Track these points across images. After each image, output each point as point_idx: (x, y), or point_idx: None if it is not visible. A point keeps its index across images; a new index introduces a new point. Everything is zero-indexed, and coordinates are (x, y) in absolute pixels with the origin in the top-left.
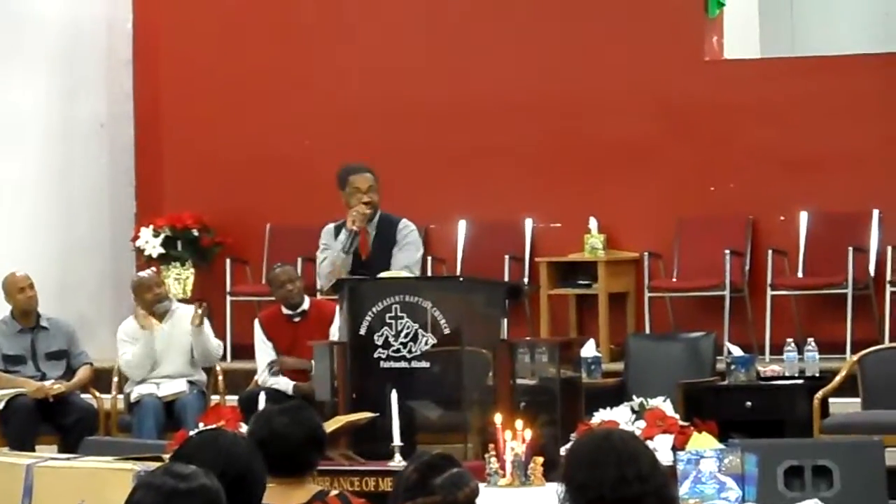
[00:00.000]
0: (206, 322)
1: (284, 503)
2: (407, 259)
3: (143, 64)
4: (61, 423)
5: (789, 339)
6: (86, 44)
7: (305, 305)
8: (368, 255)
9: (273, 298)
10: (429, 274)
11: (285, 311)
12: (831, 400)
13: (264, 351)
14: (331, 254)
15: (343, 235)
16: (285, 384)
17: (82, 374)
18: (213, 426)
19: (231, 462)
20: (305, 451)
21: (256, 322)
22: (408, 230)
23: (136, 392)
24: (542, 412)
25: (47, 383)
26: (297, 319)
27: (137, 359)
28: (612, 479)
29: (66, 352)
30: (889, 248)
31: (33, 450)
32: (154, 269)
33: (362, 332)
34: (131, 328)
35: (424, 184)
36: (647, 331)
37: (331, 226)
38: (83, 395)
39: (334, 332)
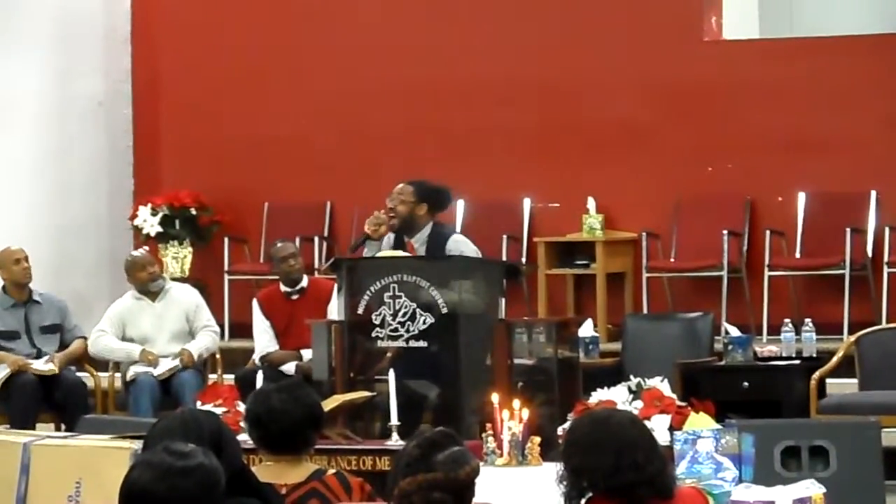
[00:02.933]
0: (196, 344)
1: (282, 481)
2: None
3: (141, 42)
4: (52, 400)
5: (787, 320)
6: (84, 22)
7: (304, 283)
8: None
9: (272, 277)
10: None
11: (284, 288)
12: (828, 380)
13: (262, 329)
14: None
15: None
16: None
17: (75, 346)
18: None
19: (201, 430)
20: (303, 429)
21: (255, 301)
22: (456, 249)
23: (132, 371)
24: (539, 392)
25: (42, 360)
26: (295, 297)
27: (112, 354)
28: (607, 466)
29: (60, 326)
30: (887, 229)
31: (34, 428)
32: (147, 247)
33: (360, 311)
34: (122, 309)
35: (422, 163)
36: (645, 311)
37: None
38: (79, 374)
39: (332, 311)
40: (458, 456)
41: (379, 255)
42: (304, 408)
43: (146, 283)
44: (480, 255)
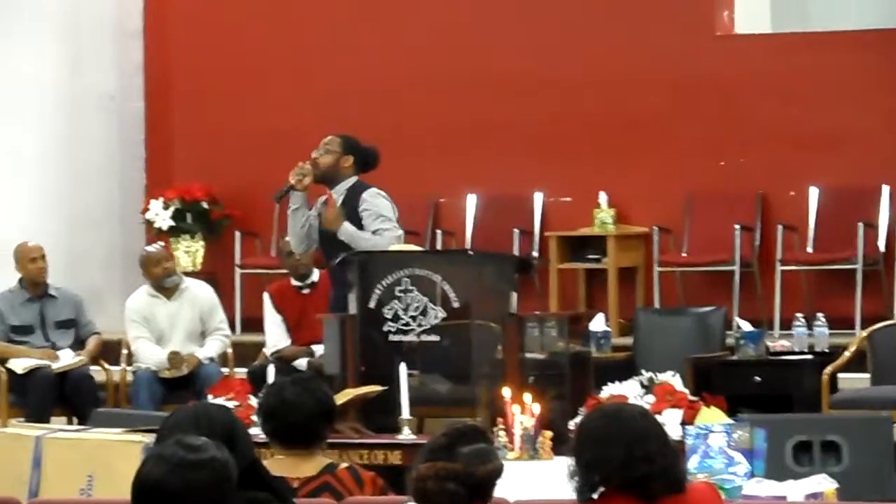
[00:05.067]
0: (204, 352)
1: (294, 475)
2: (376, 226)
3: (153, 35)
4: (62, 393)
5: (799, 315)
6: (96, 15)
7: (314, 277)
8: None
9: (283, 271)
10: (438, 247)
11: (294, 282)
12: (840, 375)
13: (274, 323)
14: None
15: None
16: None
17: (93, 344)
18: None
19: (213, 424)
20: (316, 422)
21: (266, 294)
22: (366, 202)
23: (134, 366)
24: (551, 386)
25: (70, 356)
26: (305, 291)
27: (148, 359)
28: (619, 459)
29: (75, 321)
30: None
31: (48, 423)
32: (162, 243)
33: (371, 305)
34: (140, 306)
35: (434, 157)
36: (657, 305)
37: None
38: (91, 367)
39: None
40: (482, 452)
41: (392, 248)
42: (316, 401)
43: (160, 278)
44: (391, 215)
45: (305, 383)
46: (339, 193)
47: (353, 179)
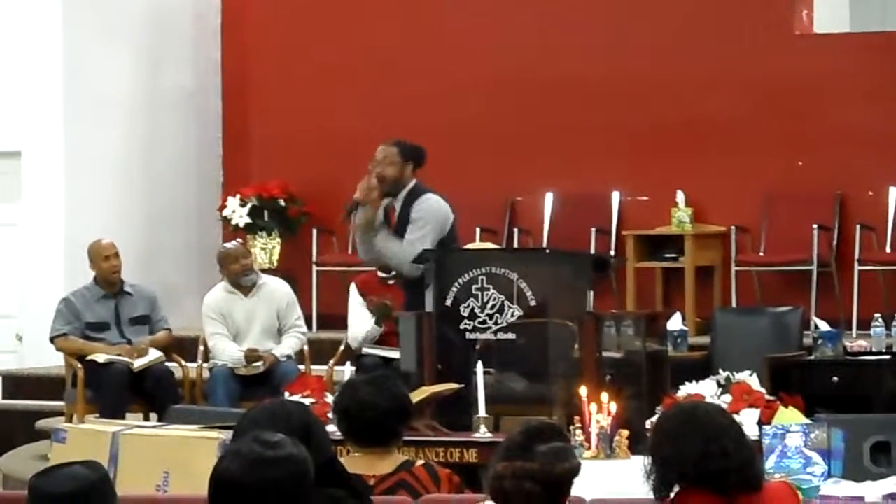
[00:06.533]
0: (281, 349)
1: (370, 472)
2: (409, 235)
3: (231, 34)
4: (142, 389)
5: (877, 315)
6: (175, 14)
7: None
8: (395, 228)
9: (360, 268)
10: (515, 246)
11: (380, 274)
12: None
13: (360, 314)
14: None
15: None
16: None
17: (161, 336)
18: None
19: (290, 420)
20: (391, 421)
21: (352, 285)
22: (417, 207)
23: (210, 362)
24: (627, 385)
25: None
26: (391, 283)
27: (225, 356)
28: (696, 454)
29: (149, 317)
30: None
31: (123, 418)
32: (240, 240)
33: (448, 303)
34: (217, 303)
35: (511, 156)
36: (734, 305)
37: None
38: (167, 363)
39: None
40: (559, 450)
41: (467, 246)
42: (392, 400)
43: (238, 275)
44: (442, 220)
45: (380, 382)
46: (399, 200)
47: (412, 182)
